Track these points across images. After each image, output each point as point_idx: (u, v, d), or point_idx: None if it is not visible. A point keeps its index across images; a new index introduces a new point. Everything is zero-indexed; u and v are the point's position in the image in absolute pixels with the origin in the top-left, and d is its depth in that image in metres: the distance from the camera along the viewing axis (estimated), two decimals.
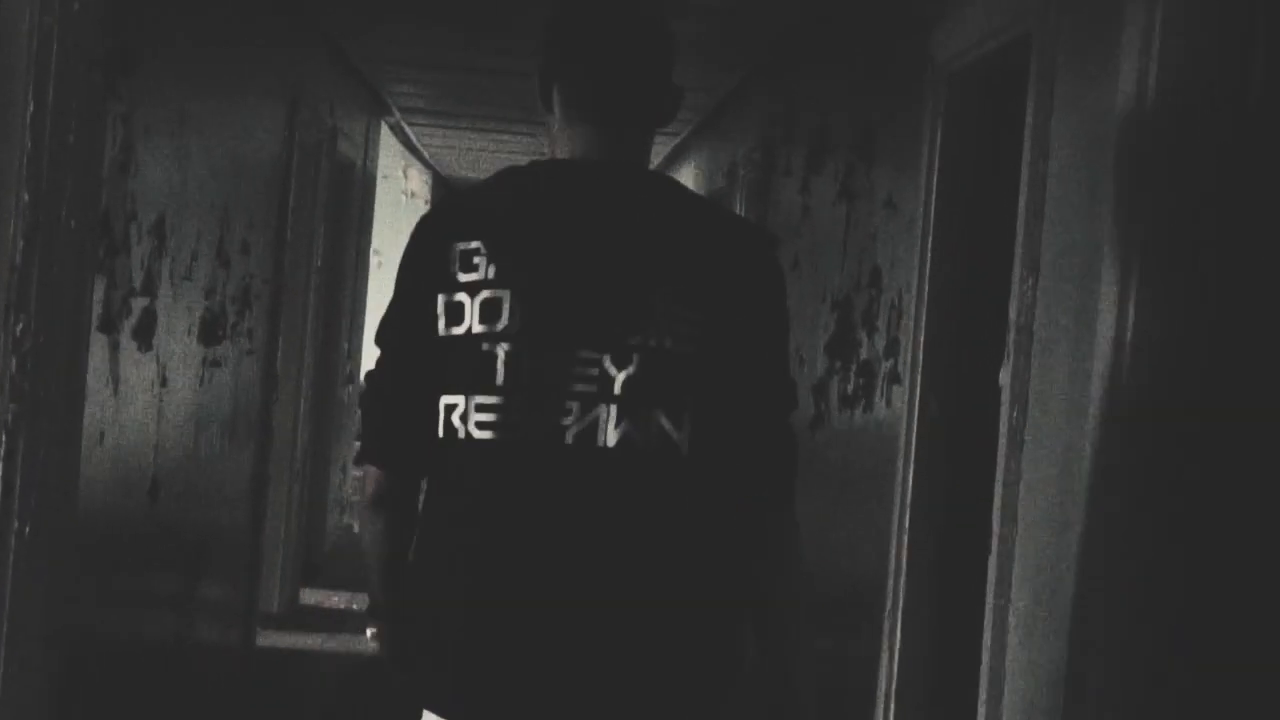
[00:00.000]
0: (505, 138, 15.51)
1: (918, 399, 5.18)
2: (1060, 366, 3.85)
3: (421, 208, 20.49)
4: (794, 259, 7.78)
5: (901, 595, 5.16)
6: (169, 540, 6.68)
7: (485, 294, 2.88)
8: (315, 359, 10.67)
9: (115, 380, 5.59)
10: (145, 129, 5.70)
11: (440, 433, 2.92)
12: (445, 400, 2.91)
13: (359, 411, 3.17)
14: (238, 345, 7.82)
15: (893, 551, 5.23)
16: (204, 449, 7.21)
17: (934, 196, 5.14)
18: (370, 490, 3.08)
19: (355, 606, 10.93)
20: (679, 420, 2.83)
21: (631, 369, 2.83)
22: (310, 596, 11.00)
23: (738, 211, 9.77)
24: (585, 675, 2.83)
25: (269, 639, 9.59)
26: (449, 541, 2.94)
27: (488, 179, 3.03)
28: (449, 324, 2.90)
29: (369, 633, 10.35)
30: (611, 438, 2.83)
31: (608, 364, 2.84)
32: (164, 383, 6.29)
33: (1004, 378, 4.14)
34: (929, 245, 5.16)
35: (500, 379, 2.86)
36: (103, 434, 5.45)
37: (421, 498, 3.05)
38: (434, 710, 2.95)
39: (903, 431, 5.26)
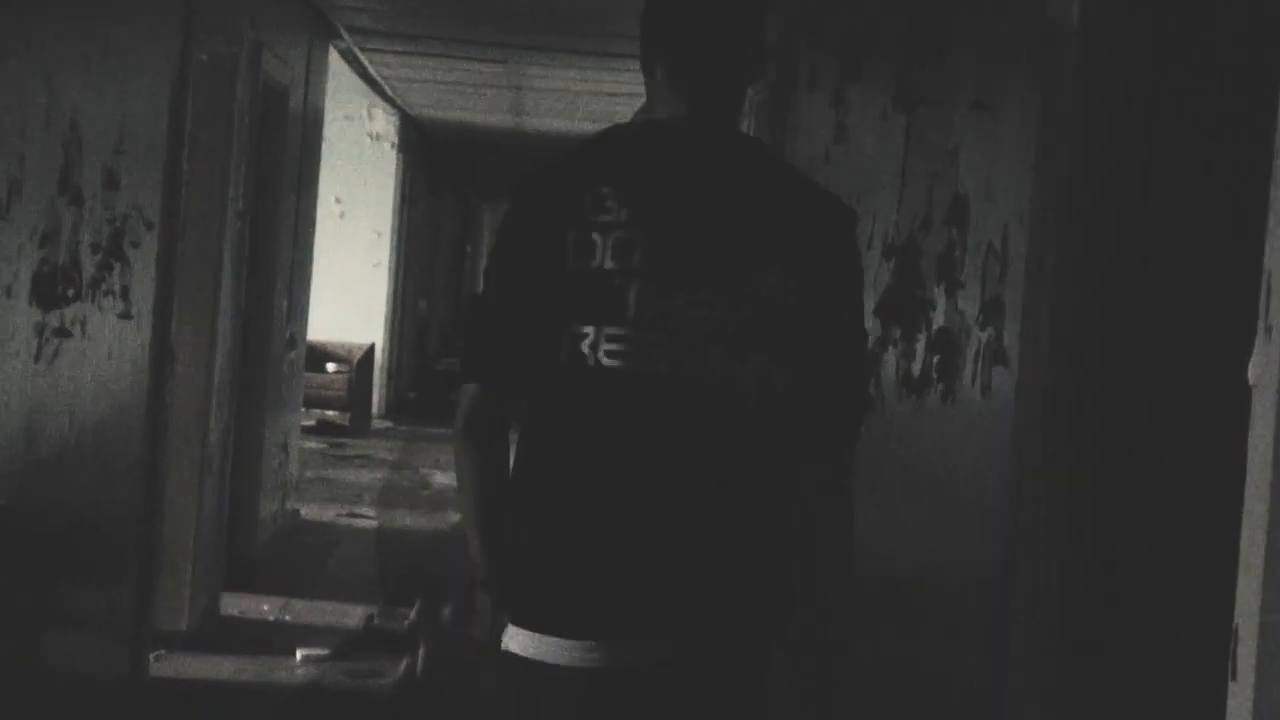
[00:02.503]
0: (478, 69, 13.71)
1: (1041, 388, 3.39)
2: None
3: (388, 152, 18.73)
4: None
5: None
6: None
7: (618, 234, 3.08)
8: (236, 323, 8.86)
9: None
10: None
11: (565, 359, 3.10)
12: (573, 329, 3.09)
13: (465, 333, 3.32)
14: (103, 307, 6.03)
15: (1020, 630, 3.43)
16: (46, 446, 5.43)
17: (1073, 79, 3.33)
18: (470, 411, 3.20)
19: (288, 618, 9.15)
20: (780, 364, 3.10)
21: (745, 314, 3.08)
22: (234, 604, 9.19)
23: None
24: (684, 580, 3.08)
25: (170, 665, 7.82)
26: (572, 464, 3.12)
27: (597, 134, 3.30)
28: (578, 258, 3.08)
29: (299, 654, 8.14)
30: (717, 375, 3.07)
31: (724, 307, 3.08)
32: None
33: (1259, 371, 2.34)
34: (1068, 154, 3.35)
35: (631, 312, 3.07)
36: None
37: (533, 424, 3.19)
38: (538, 629, 3.08)
39: (1020, 430, 3.46)
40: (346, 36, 12.06)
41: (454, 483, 3.38)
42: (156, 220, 6.73)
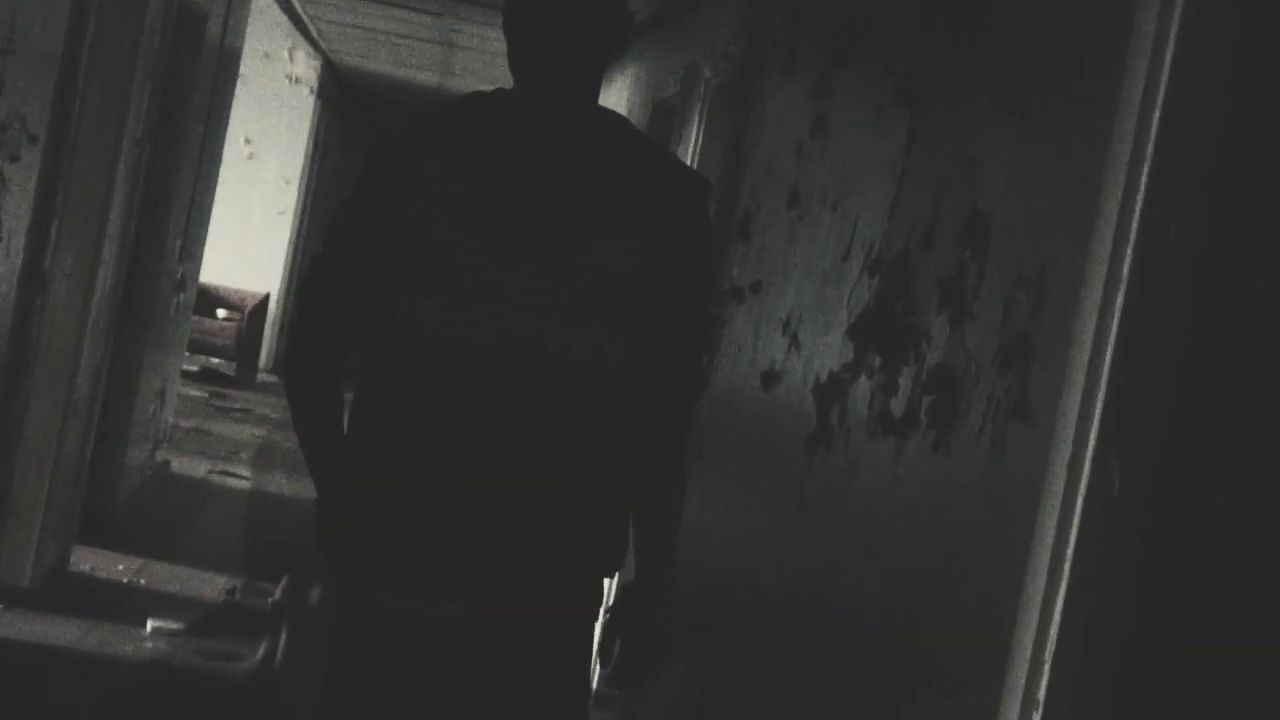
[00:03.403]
0: (410, 18, 12.99)
1: (1089, 459, 2.76)
2: None
3: (306, 97, 17.97)
4: (791, 192, 5.36)
5: None
6: None
7: (456, 206, 3.20)
8: (122, 256, 8.12)
9: None
10: None
11: (400, 326, 3.21)
12: (408, 298, 3.20)
13: (305, 283, 3.42)
14: None
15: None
16: None
17: (1167, 69, 2.71)
18: (305, 367, 3.38)
19: (143, 581, 8.42)
20: (613, 337, 3.23)
21: (582, 285, 3.20)
22: (87, 560, 8.45)
23: (697, 128, 7.59)
24: (508, 546, 3.22)
25: (4, 624, 7.07)
26: (407, 431, 3.24)
27: (455, 102, 3.39)
28: (416, 229, 3.20)
29: (150, 625, 7.22)
30: (552, 345, 3.18)
31: (557, 280, 3.19)
32: None
33: None
34: (1144, 174, 2.73)
35: (464, 284, 3.17)
36: None
37: (367, 387, 3.32)
38: (366, 579, 3.24)
39: (1045, 512, 2.83)
40: None
41: None
42: (42, 135, 6.03)
